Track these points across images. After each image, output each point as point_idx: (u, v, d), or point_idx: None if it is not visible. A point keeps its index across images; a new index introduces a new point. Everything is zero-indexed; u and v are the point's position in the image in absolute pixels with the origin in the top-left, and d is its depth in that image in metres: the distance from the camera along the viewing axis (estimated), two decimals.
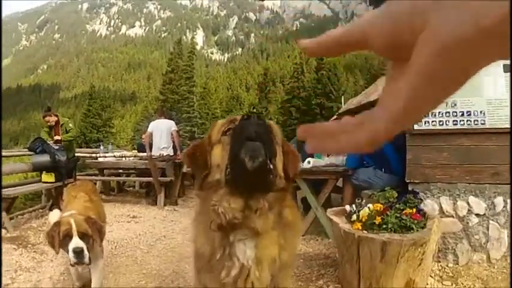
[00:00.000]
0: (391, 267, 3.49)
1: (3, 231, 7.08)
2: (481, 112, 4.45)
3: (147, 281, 4.71)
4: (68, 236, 3.59)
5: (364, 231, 3.76)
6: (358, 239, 3.67)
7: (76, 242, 3.56)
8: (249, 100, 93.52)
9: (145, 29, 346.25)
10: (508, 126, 4.31)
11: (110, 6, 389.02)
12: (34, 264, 5.29)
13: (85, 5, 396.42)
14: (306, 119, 46.87)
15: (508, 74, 4.37)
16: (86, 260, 3.61)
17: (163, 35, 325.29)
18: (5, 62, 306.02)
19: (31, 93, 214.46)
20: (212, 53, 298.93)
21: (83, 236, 3.61)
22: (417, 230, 3.63)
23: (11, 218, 7.68)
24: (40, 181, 8.98)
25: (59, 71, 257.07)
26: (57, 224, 3.68)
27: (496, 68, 4.36)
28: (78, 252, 3.55)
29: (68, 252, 3.61)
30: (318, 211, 6.07)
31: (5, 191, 7.53)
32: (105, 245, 5.87)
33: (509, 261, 4.31)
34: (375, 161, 5.81)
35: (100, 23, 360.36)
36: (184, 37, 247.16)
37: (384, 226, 3.72)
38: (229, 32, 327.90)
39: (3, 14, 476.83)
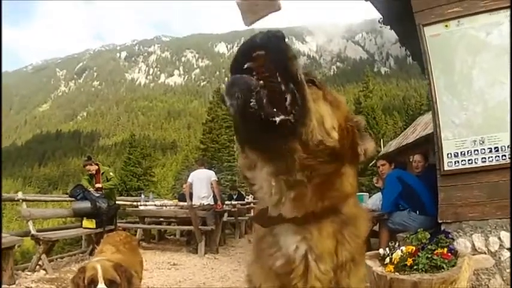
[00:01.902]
0: None
1: (42, 272, 7.39)
2: (508, 147, 4.54)
3: None
4: (93, 283, 3.43)
5: (396, 273, 3.85)
6: (390, 281, 3.77)
7: None
8: None
9: (184, 78, 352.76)
10: None
11: (148, 55, 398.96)
12: None
13: (123, 53, 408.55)
14: None
15: None
16: None
17: (202, 84, 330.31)
18: (43, 107, 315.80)
19: (70, 139, 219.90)
20: None
21: (110, 283, 3.46)
22: (448, 269, 3.69)
23: (50, 261, 7.98)
24: (80, 226, 9.28)
25: (99, 118, 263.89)
26: (83, 269, 3.57)
27: None
28: None
29: None
30: None
31: (45, 234, 8.01)
32: None
33: None
34: (409, 204, 5.91)
35: (139, 72, 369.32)
36: (223, 85, 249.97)
37: (415, 267, 3.79)
38: None
39: (42, 58, 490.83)
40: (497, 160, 4.57)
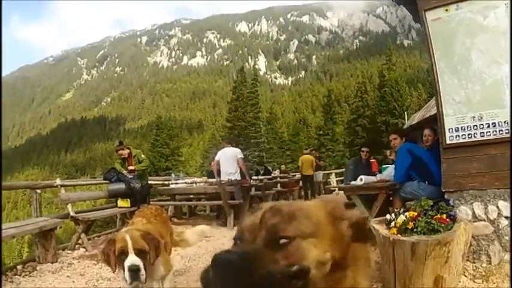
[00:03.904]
0: (420, 265, 3.98)
1: (82, 249, 7.86)
2: (505, 122, 4.79)
3: None
4: (124, 254, 3.43)
5: (398, 235, 4.27)
6: (392, 241, 4.20)
7: (132, 259, 3.40)
8: (316, 122, 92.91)
9: (207, 58, 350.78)
10: None
11: (169, 38, 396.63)
12: (114, 275, 5.28)
13: (144, 38, 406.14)
14: (372, 138, 46.57)
15: None
16: (143, 279, 3.45)
17: (225, 63, 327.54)
18: (67, 96, 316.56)
19: (96, 125, 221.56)
20: (276, 78, 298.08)
21: (139, 252, 3.45)
22: (444, 232, 4.08)
23: (88, 239, 8.43)
24: (114, 207, 9.78)
25: (123, 103, 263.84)
26: (112, 241, 3.58)
27: None
28: (134, 271, 3.39)
29: (123, 270, 3.45)
30: (370, 223, 6.56)
31: (84, 215, 8.46)
32: (179, 260, 6.54)
33: None
34: (419, 175, 6.21)
35: (161, 55, 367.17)
36: (246, 64, 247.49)
37: (415, 230, 4.20)
38: (291, 56, 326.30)
39: (61, 49, 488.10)
40: (494, 135, 4.85)
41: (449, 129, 5.17)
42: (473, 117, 5.00)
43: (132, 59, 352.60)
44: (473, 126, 5.00)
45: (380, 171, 9.37)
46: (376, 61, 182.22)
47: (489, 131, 4.91)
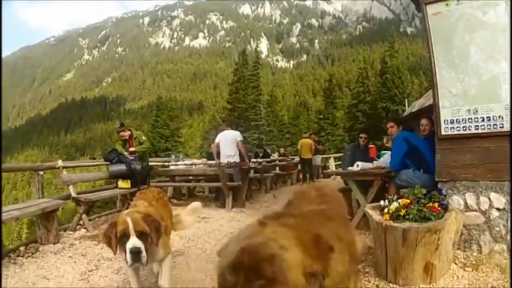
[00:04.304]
0: (411, 251, 4.16)
1: (83, 230, 7.94)
2: (499, 117, 4.89)
3: (214, 267, 5.35)
4: (125, 236, 3.50)
5: (391, 221, 4.43)
6: (385, 227, 4.37)
7: (133, 242, 3.48)
8: (316, 106, 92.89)
9: (209, 40, 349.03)
10: None
11: (171, 19, 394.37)
12: (115, 255, 5.42)
13: (146, 19, 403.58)
14: (372, 123, 46.60)
15: None
16: (144, 260, 3.53)
17: (227, 45, 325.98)
18: (67, 76, 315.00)
19: (96, 105, 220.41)
20: (277, 61, 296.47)
21: (140, 235, 3.53)
22: (435, 221, 4.23)
23: (89, 220, 8.48)
24: (115, 188, 9.84)
25: (124, 84, 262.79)
26: (114, 224, 3.63)
27: None
28: (136, 253, 3.47)
29: (124, 252, 3.53)
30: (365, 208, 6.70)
31: (85, 196, 8.50)
32: (178, 240, 6.68)
33: None
34: (414, 163, 6.34)
35: (163, 36, 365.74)
36: (248, 46, 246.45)
37: (407, 217, 4.37)
38: (293, 39, 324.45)
39: (63, 29, 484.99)
40: (488, 128, 4.95)
41: (444, 121, 5.27)
42: (469, 110, 5.10)
43: (134, 40, 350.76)
44: (468, 119, 5.10)
45: (379, 157, 9.50)
46: (378, 47, 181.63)
47: (483, 125, 5.01)
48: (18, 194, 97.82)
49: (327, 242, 1.41)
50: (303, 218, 1.50)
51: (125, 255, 3.53)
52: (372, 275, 4.75)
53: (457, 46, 5.21)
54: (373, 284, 4.50)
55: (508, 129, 4.85)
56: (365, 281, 4.61)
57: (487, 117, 4.99)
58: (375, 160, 8.70)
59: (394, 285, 4.35)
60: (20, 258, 6.00)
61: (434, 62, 5.35)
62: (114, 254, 3.74)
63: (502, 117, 4.89)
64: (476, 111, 5.04)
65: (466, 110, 5.11)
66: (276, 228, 1.40)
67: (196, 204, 5.31)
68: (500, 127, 4.90)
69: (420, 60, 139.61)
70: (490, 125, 4.97)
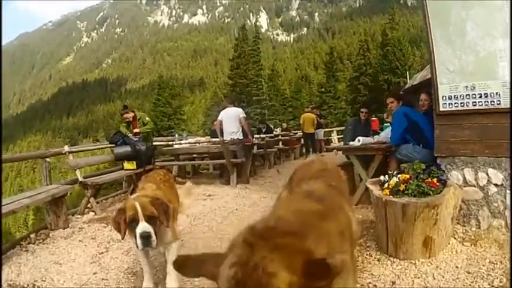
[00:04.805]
0: (410, 225, 4.30)
1: (91, 213, 8.08)
2: (496, 93, 4.92)
3: (221, 244, 5.47)
4: (135, 221, 3.57)
5: (390, 196, 4.56)
6: (385, 202, 4.50)
7: (143, 226, 3.54)
8: (318, 79, 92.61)
9: (208, 16, 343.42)
10: None
11: None
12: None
13: None
14: (374, 96, 46.55)
15: None
16: (154, 244, 3.60)
17: (226, 21, 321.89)
18: (67, 60, 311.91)
19: (97, 87, 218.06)
20: (278, 35, 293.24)
21: (149, 219, 3.58)
22: (433, 196, 4.35)
23: (97, 202, 8.64)
24: (120, 169, 9.92)
25: (124, 64, 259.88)
26: (123, 209, 3.68)
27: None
28: (146, 237, 3.54)
29: (134, 237, 3.60)
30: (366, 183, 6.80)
31: (92, 179, 8.60)
32: (184, 219, 6.78)
33: None
34: (414, 138, 6.40)
35: (161, 14, 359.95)
36: (248, 21, 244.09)
37: (406, 192, 4.49)
38: (293, 13, 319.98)
39: (60, 14, 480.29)
40: (486, 105, 4.99)
41: (442, 97, 5.32)
42: (466, 86, 5.14)
43: (133, 20, 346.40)
44: (466, 95, 5.15)
45: (382, 129, 9.60)
46: (379, 19, 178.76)
47: (481, 101, 5.05)
48: (23, 180, 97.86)
49: (323, 261, 1.40)
50: (293, 236, 1.53)
51: (135, 240, 3.61)
52: (373, 248, 4.89)
53: (453, 22, 5.23)
54: (375, 257, 4.64)
55: (505, 106, 4.89)
56: (366, 255, 4.75)
57: (484, 94, 5.03)
58: (380, 132, 8.81)
59: (395, 259, 4.47)
60: (31, 245, 6.12)
61: (431, 39, 5.40)
62: (122, 239, 3.84)
63: (499, 94, 4.93)
64: (474, 87, 5.08)
65: (463, 87, 5.15)
66: (264, 253, 1.40)
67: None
68: (498, 104, 4.94)
69: (421, 32, 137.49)
70: (487, 102, 5.01)
